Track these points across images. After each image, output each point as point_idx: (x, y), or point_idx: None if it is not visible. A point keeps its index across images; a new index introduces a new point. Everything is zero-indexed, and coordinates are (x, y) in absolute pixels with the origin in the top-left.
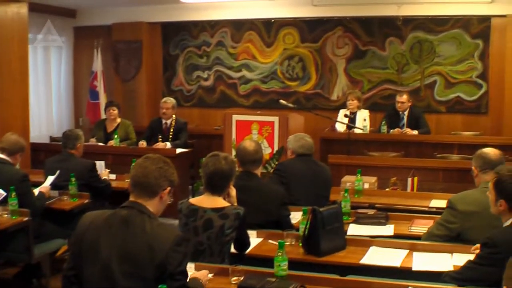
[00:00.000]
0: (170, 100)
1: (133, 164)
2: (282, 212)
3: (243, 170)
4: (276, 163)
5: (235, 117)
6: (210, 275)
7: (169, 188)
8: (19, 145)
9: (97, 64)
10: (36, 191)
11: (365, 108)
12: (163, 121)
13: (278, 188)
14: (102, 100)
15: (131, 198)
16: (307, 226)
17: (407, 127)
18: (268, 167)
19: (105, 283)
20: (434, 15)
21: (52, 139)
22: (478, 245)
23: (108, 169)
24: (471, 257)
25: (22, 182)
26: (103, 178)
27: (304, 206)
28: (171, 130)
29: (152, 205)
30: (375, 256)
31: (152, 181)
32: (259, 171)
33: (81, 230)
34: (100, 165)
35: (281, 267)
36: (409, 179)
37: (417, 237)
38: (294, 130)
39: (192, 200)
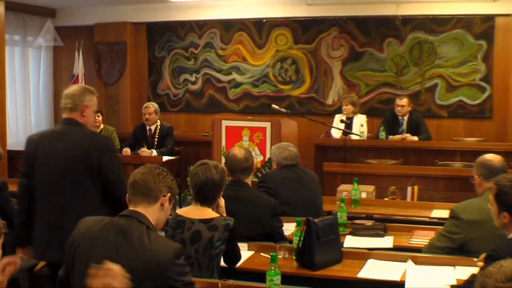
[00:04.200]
0: (152, 105)
1: None
2: (274, 223)
3: (233, 179)
4: (268, 170)
5: (225, 123)
6: None
7: (169, 195)
8: None
9: (78, 67)
10: None
11: (362, 113)
12: (147, 127)
13: (269, 198)
14: None
15: (130, 207)
16: (301, 238)
17: (406, 133)
18: (260, 176)
19: None
20: (435, 15)
21: None
22: (482, 256)
23: None
24: (475, 270)
25: (0, 191)
26: None
27: (296, 216)
28: (156, 136)
29: (153, 214)
30: (373, 270)
31: (151, 185)
32: (249, 180)
33: (76, 236)
34: None
35: (274, 281)
36: (409, 188)
37: (418, 250)
38: (287, 136)
39: (179, 211)
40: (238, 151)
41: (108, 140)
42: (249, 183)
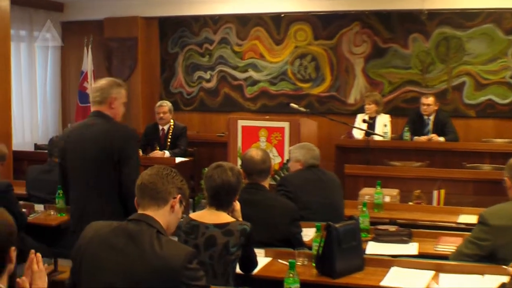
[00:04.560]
0: (166, 103)
1: None
2: (292, 229)
3: (249, 182)
4: (286, 173)
5: (241, 123)
6: None
7: (179, 196)
8: None
9: (87, 64)
10: None
11: (386, 113)
12: (160, 127)
13: (287, 202)
14: None
15: (139, 211)
16: (321, 244)
17: (432, 134)
18: (278, 178)
19: None
20: (463, 9)
21: (36, 146)
22: None
23: None
24: (505, 278)
25: (6, 193)
26: None
27: (316, 221)
28: (169, 136)
29: (163, 217)
30: (396, 278)
31: (160, 187)
32: (267, 182)
33: (83, 243)
34: None
35: None
36: (435, 192)
37: (444, 257)
38: (306, 137)
39: (193, 215)
40: (255, 153)
41: (132, 132)
42: (267, 186)
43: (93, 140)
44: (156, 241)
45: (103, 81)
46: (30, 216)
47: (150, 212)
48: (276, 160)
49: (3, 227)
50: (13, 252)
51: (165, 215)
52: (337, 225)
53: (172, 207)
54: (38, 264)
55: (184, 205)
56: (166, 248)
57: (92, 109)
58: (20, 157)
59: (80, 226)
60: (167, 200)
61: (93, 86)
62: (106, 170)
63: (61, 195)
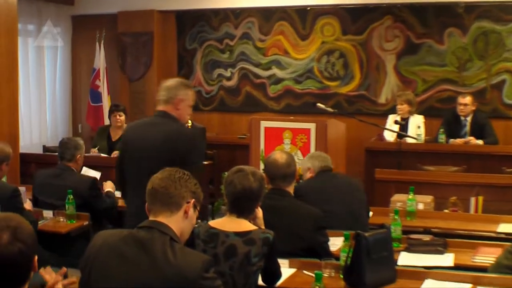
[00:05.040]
0: None
1: None
2: (319, 238)
3: (273, 187)
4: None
5: (264, 124)
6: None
7: (193, 201)
8: (3, 153)
9: (100, 61)
10: None
11: (419, 113)
12: None
13: (313, 209)
14: (106, 103)
15: (151, 217)
16: (349, 254)
17: (470, 136)
18: None
19: None
20: (503, 1)
21: (45, 148)
22: None
23: (112, 185)
24: None
25: (12, 198)
26: (107, 190)
27: (339, 229)
28: None
29: (176, 223)
30: None
31: (172, 191)
32: (291, 188)
33: (92, 252)
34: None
35: None
36: (472, 199)
37: (483, 269)
38: (334, 139)
39: (212, 223)
40: (279, 156)
41: (198, 135)
42: (291, 192)
43: (155, 140)
44: (169, 249)
45: (171, 81)
46: (39, 222)
47: (162, 219)
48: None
49: (28, 237)
50: (36, 261)
51: (178, 221)
52: (366, 234)
53: (186, 212)
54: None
55: (198, 210)
56: (180, 256)
57: (157, 108)
58: (27, 159)
59: (134, 224)
60: (180, 205)
61: (161, 84)
62: None
63: (71, 200)
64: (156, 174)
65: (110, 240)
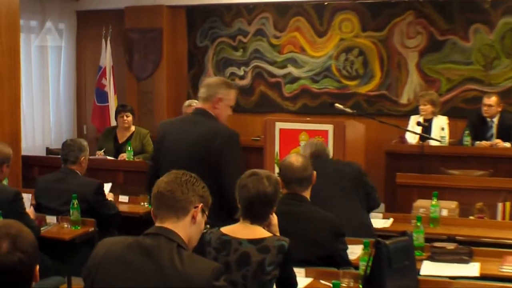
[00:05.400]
0: (196, 103)
1: None
2: (337, 245)
3: (288, 192)
4: None
5: (279, 125)
6: None
7: (201, 205)
8: (2, 154)
9: (106, 58)
10: None
11: (443, 114)
12: None
13: (331, 215)
14: (112, 103)
15: (157, 223)
16: (369, 263)
17: (496, 139)
18: None
19: None
20: None
21: (49, 151)
22: None
23: (119, 189)
24: None
25: (14, 202)
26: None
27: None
28: None
29: (183, 229)
30: None
31: (179, 195)
32: (307, 193)
33: (95, 261)
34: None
35: None
36: (500, 205)
37: (510, 279)
38: (352, 142)
39: (224, 229)
40: (295, 159)
41: (235, 135)
42: (308, 197)
43: (190, 138)
44: (176, 256)
45: (213, 79)
46: (42, 228)
47: (169, 225)
48: None
49: (28, 246)
50: (37, 271)
51: (186, 227)
52: (387, 242)
53: (194, 217)
54: None
55: (206, 214)
56: (188, 264)
57: (197, 105)
58: (30, 162)
59: None
60: (188, 210)
61: (203, 82)
62: (201, 171)
63: (75, 205)
64: (162, 177)
65: (114, 248)
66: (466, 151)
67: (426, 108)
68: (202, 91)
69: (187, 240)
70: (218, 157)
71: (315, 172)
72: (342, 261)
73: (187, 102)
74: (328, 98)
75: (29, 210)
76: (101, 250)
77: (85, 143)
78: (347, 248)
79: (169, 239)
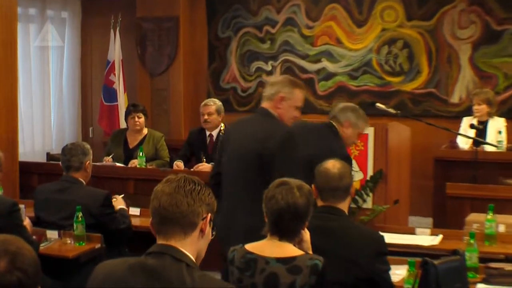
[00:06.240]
0: (213, 102)
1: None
2: (378, 265)
3: (323, 204)
4: (371, 194)
5: None
6: None
7: (209, 216)
8: None
9: (115, 51)
10: None
11: (500, 116)
12: (207, 133)
13: (372, 231)
14: (122, 102)
15: (160, 241)
16: (415, 286)
17: None
18: (359, 201)
19: None
20: None
21: (49, 156)
22: None
23: (130, 200)
24: None
25: (11, 214)
26: (120, 208)
27: None
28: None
29: (191, 245)
30: None
31: (185, 209)
32: (345, 205)
33: (94, 286)
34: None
35: None
36: None
37: None
38: (395, 147)
39: (249, 247)
40: (331, 165)
41: (293, 138)
42: (345, 210)
43: (246, 141)
44: (187, 278)
45: (279, 77)
46: (42, 245)
47: (175, 242)
48: (356, 177)
49: (29, 265)
50: None
51: (194, 243)
52: (436, 262)
53: (202, 230)
54: None
55: (212, 219)
56: (201, 285)
57: (262, 105)
58: (28, 169)
59: (226, 239)
60: (196, 224)
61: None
62: (255, 178)
63: (80, 219)
64: (161, 187)
65: (113, 271)
66: None
67: (480, 108)
68: (266, 90)
69: (195, 256)
70: (272, 158)
71: (353, 181)
72: (384, 283)
73: (204, 101)
74: (368, 97)
75: (26, 222)
76: (99, 275)
77: (87, 146)
78: (389, 268)
79: (176, 259)
